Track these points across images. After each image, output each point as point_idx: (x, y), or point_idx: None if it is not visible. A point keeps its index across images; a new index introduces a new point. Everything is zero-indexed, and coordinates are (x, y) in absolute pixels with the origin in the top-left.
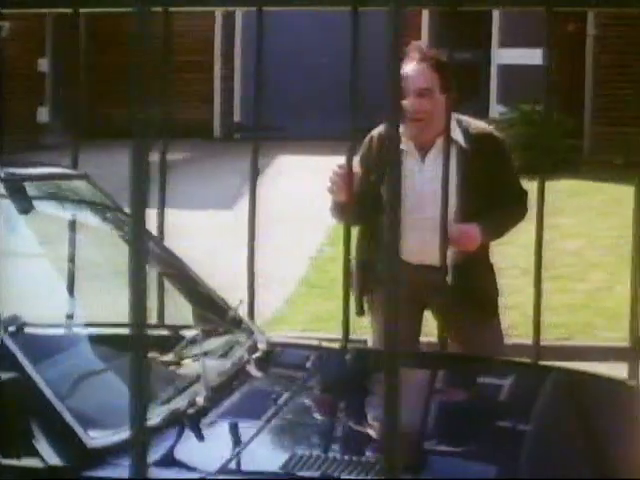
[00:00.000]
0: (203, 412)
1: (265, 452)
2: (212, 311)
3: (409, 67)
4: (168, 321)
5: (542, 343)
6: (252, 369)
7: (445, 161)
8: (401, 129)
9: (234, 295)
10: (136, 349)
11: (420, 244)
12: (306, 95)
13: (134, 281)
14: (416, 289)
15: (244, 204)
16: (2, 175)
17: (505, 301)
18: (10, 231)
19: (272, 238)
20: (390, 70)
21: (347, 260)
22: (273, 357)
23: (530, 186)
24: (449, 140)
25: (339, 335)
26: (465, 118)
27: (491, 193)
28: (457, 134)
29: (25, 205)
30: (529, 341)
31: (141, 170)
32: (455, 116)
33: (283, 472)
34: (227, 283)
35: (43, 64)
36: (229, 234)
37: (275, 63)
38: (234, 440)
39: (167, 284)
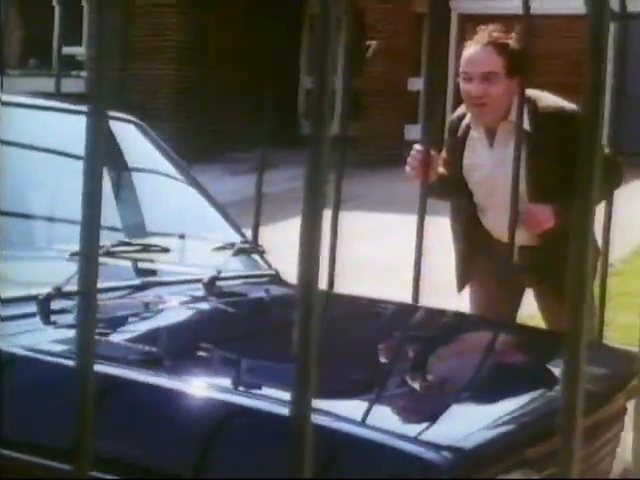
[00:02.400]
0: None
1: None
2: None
3: (473, 51)
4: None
5: None
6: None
7: (516, 147)
8: (469, 114)
9: None
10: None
11: (503, 226)
12: None
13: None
14: (511, 267)
15: None
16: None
17: None
18: None
19: None
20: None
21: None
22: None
23: None
24: (521, 127)
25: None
26: (535, 95)
27: (568, 170)
28: (523, 116)
29: None
30: None
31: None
32: (525, 94)
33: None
34: None
35: (413, 83)
36: None
37: None
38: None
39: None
